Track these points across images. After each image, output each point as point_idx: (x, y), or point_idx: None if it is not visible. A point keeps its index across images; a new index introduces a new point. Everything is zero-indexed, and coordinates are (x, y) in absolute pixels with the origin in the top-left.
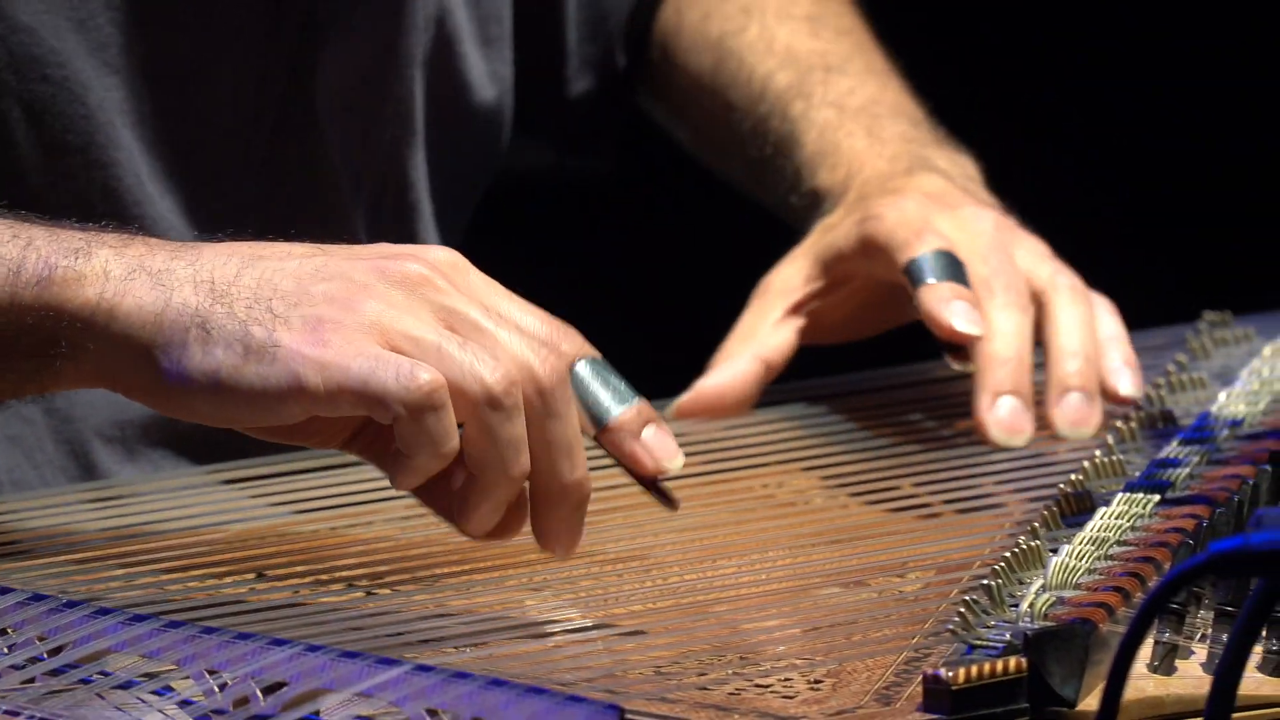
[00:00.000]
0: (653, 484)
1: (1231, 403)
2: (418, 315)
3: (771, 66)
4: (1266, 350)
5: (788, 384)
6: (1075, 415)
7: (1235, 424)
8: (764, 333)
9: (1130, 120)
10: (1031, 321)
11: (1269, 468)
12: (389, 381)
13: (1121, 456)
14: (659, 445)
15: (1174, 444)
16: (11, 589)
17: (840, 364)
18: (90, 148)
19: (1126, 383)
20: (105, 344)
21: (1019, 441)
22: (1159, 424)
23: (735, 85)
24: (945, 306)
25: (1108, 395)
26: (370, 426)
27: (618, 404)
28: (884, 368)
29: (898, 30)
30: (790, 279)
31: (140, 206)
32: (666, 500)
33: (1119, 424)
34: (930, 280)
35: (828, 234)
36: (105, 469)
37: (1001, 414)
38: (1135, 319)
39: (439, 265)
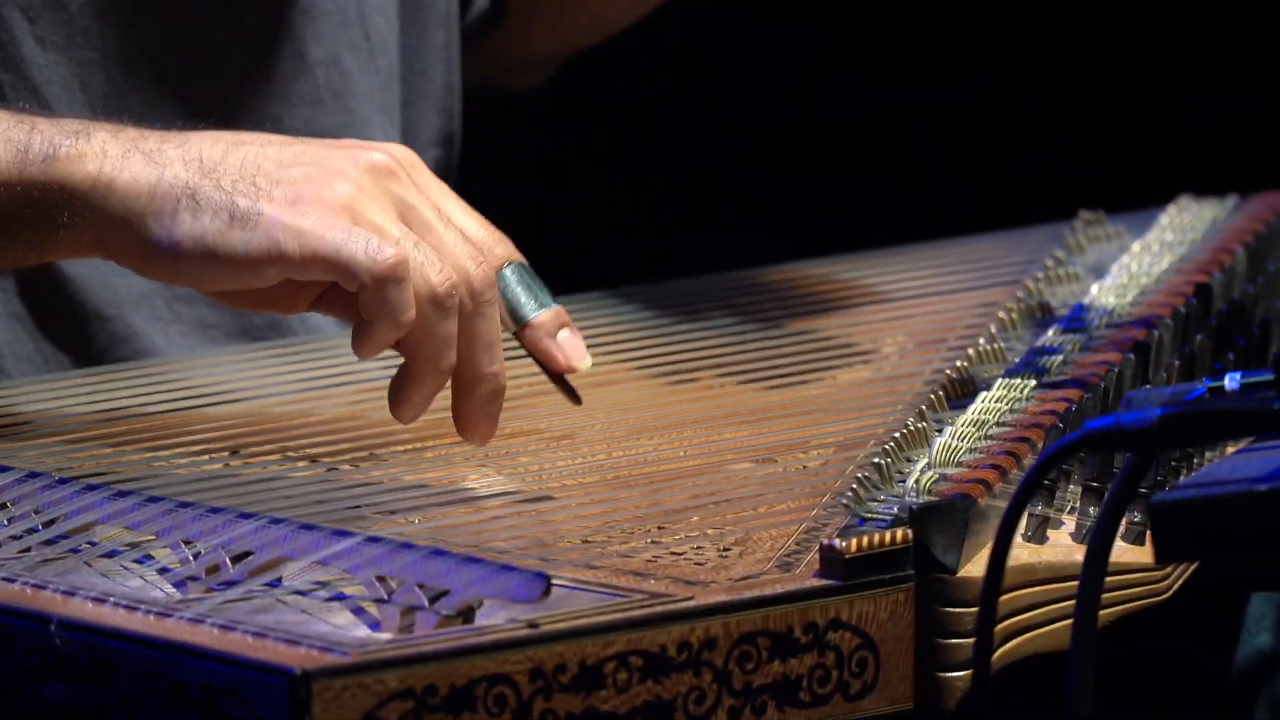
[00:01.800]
0: (561, 380)
1: (1103, 295)
2: (382, 205)
3: None
4: (1135, 247)
5: (709, 276)
6: None
7: (1106, 314)
8: None
9: (1019, 35)
10: None
11: (1133, 355)
12: (358, 253)
13: (1003, 344)
14: (571, 346)
15: (1050, 333)
16: (10, 467)
17: (756, 258)
18: (71, 47)
19: None
20: (103, 215)
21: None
22: (1037, 314)
23: None
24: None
25: None
26: (332, 292)
27: (537, 306)
28: (794, 261)
29: None
30: None
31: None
32: (572, 395)
33: (1001, 314)
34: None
35: None
36: (102, 343)
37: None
38: (1018, 216)
39: (401, 160)
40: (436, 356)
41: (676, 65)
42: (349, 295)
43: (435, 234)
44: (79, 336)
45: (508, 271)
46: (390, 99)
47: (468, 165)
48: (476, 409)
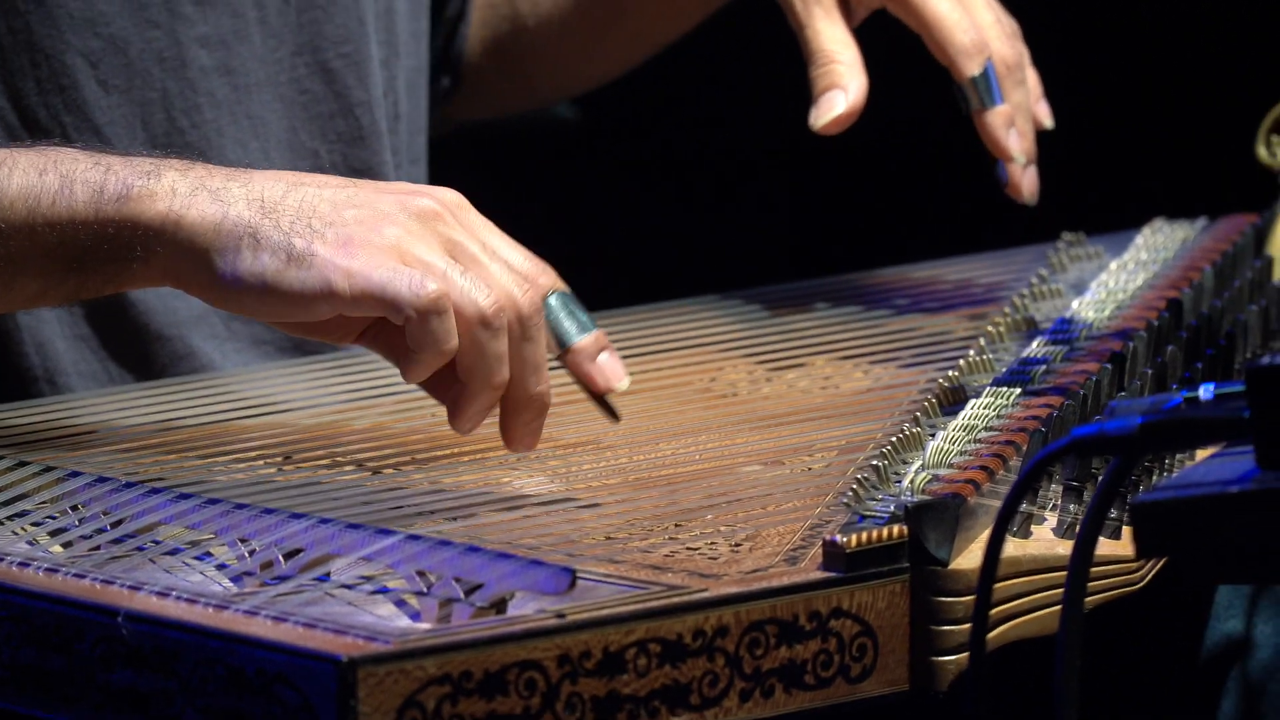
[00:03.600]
0: (601, 399)
1: (1083, 309)
2: (428, 243)
3: None
4: (1113, 265)
5: (735, 291)
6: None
7: (1086, 327)
8: (844, 40)
9: None
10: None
11: (1110, 365)
12: (403, 289)
13: (991, 356)
14: (610, 368)
15: (1035, 344)
16: (81, 472)
17: (750, 279)
18: (132, 89)
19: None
20: (173, 249)
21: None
22: (1023, 328)
23: None
24: (1006, 134)
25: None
26: (377, 326)
27: (579, 332)
28: (791, 281)
29: None
30: None
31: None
32: (611, 413)
33: (990, 328)
34: (988, 104)
35: None
36: (162, 361)
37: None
38: (1004, 238)
39: (447, 203)
40: (490, 374)
41: (678, 81)
42: (392, 331)
43: (481, 265)
44: (141, 356)
45: (551, 300)
46: (418, 142)
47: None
48: (522, 426)
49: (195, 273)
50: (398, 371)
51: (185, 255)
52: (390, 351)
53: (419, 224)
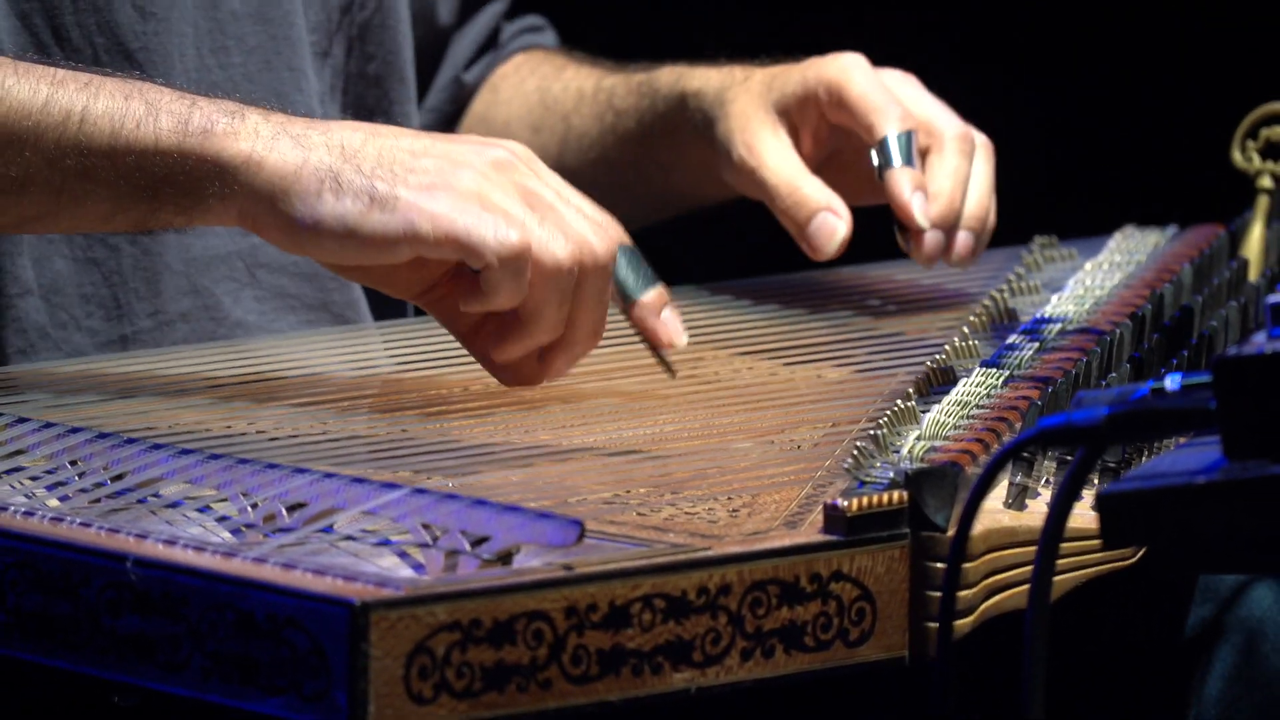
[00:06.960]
0: (659, 354)
1: (1062, 304)
2: (505, 190)
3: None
4: (1088, 265)
5: (717, 282)
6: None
7: (1065, 320)
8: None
9: (974, 69)
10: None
11: (1098, 349)
12: (488, 235)
13: (975, 342)
14: (672, 325)
15: (1016, 335)
16: (81, 428)
17: (757, 268)
18: (170, 19)
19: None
20: (250, 190)
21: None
22: (1003, 319)
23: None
24: (908, 195)
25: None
26: (445, 285)
27: (644, 287)
28: (794, 272)
29: None
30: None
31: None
32: (668, 368)
33: (972, 318)
34: (896, 164)
35: (768, 88)
36: (172, 296)
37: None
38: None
39: (518, 154)
40: (551, 320)
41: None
42: (451, 291)
43: (557, 213)
44: (150, 287)
45: (619, 253)
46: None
47: None
48: (568, 361)
49: (272, 215)
50: (403, 339)
51: (263, 197)
52: (446, 311)
53: (496, 172)
